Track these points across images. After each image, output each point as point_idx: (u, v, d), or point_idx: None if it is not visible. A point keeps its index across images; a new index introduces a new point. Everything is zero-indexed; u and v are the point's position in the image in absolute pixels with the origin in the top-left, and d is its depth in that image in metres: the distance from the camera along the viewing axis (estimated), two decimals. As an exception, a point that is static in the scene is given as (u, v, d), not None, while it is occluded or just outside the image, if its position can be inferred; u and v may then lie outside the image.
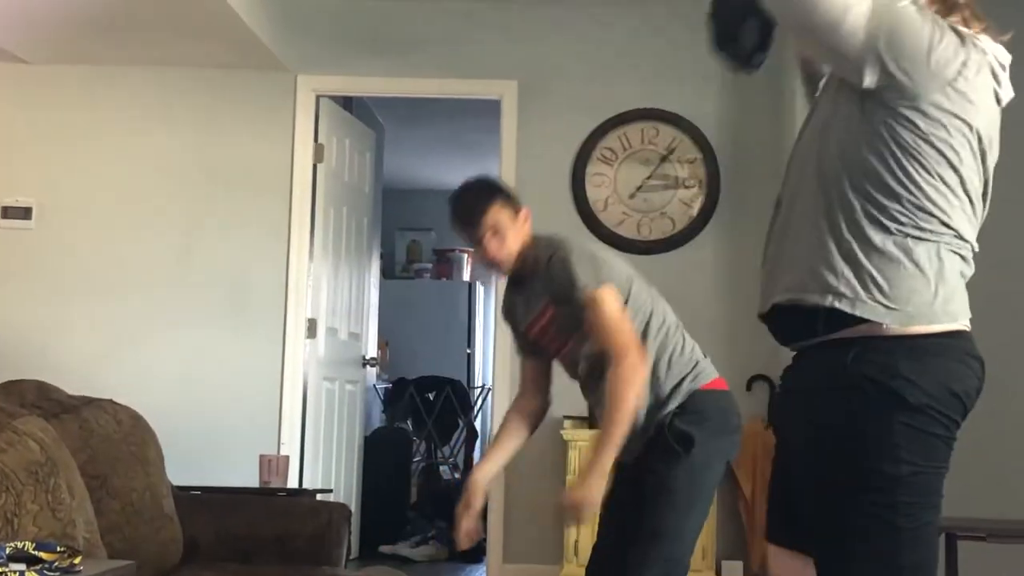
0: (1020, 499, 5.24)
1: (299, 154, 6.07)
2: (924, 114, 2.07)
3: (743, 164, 6.00)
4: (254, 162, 6.06)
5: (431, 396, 8.67)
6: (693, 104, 5.97)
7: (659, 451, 3.03)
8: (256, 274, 6.03)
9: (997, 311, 4.86)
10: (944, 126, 2.08)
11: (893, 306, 2.08)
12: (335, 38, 6.09)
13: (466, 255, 10.62)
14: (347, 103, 6.81)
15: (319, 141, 6.14)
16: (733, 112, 5.98)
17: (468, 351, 10.15)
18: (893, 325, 2.08)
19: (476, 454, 9.49)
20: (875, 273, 2.09)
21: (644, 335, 3.07)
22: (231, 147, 6.08)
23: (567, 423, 5.57)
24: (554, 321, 3.15)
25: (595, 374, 3.08)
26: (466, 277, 10.57)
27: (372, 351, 7.60)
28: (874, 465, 2.06)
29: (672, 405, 3.05)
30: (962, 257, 2.15)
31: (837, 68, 2.16)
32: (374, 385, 8.42)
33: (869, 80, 2.08)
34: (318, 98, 6.13)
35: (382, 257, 8.93)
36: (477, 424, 9.33)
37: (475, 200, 3.21)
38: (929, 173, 2.08)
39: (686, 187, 5.99)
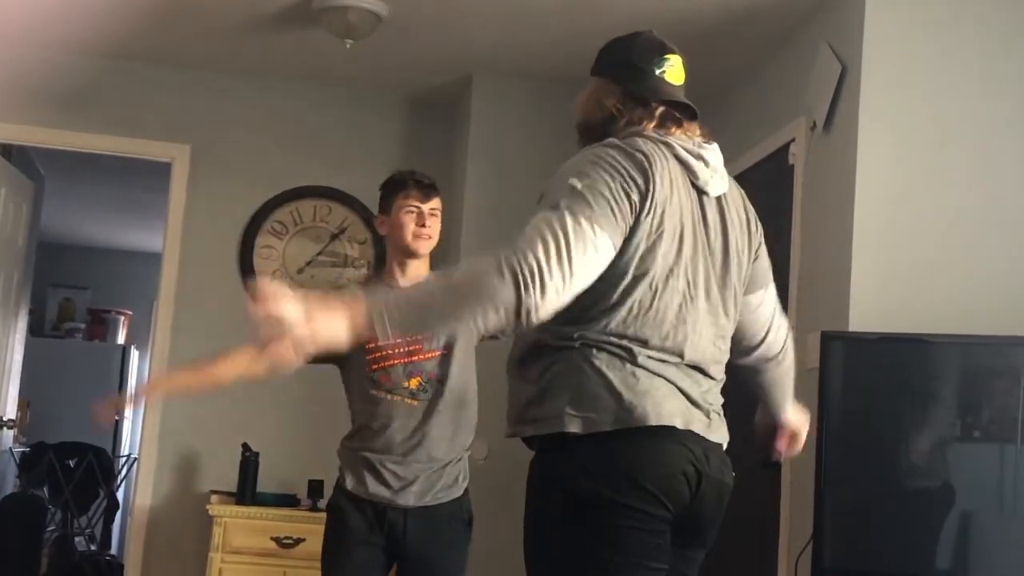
0: None
1: (-52, 198, 5.72)
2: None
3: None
4: None
5: (72, 463, 8.24)
6: (367, 187, 5.99)
7: None
8: None
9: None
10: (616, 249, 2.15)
11: (578, 413, 2.16)
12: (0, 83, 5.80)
13: (122, 317, 10.25)
14: (6, 151, 6.48)
15: (-29, 187, 5.81)
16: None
17: (116, 417, 9.75)
18: (576, 429, 2.15)
19: (116, 526, 9.09)
20: (562, 385, 2.18)
21: None
22: None
23: (213, 498, 5.42)
24: None
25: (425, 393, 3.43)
26: (120, 340, 10.19)
27: (11, 412, 7.17)
28: (548, 551, 2.21)
29: None
30: (635, 361, 2.18)
31: None
32: (10, 448, 7.94)
33: None
34: (-26, 142, 5.81)
35: (31, 313, 8.48)
36: (119, 495, 8.95)
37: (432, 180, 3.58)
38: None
39: (355, 267, 6.01)
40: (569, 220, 2.06)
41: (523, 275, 1.98)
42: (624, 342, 2.17)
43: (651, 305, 2.18)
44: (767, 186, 4.82)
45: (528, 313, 1.99)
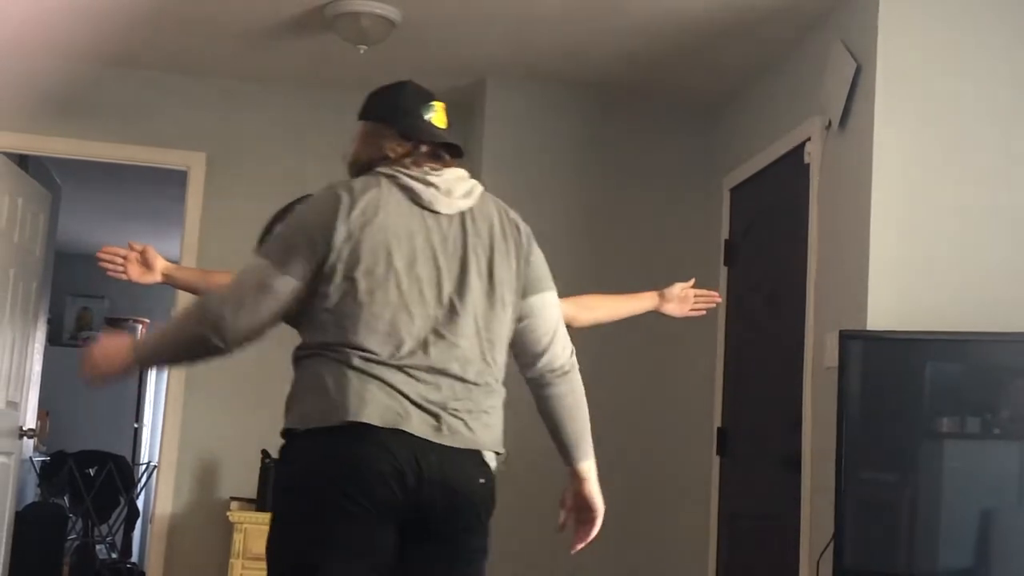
0: None
1: (-34, 209, 5.74)
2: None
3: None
4: (-86, 214, 5.68)
5: (92, 471, 8.28)
6: (382, 191, 6.01)
7: None
8: (-93, 333, 5.63)
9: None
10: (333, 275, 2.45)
11: (297, 410, 2.44)
12: (15, 93, 5.82)
13: (140, 325, 10.28)
14: (23, 161, 6.51)
15: (-11, 198, 5.83)
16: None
17: (136, 426, 9.78)
18: (293, 425, 2.43)
19: (136, 534, 9.11)
20: (295, 387, 2.49)
21: None
22: None
23: (234, 505, 5.43)
24: None
25: None
26: (139, 349, 10.21)
27: (31, 422, 7.20)
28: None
29: None
30: (349, 364, 2.40)
31: None
32: (31, 457, 7.97)
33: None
34: (-8, 153, 5.83)
35: (50, 323, 8.51)
36: (139, 503, 8.97)
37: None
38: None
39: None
40: (256, 269, 2.50)
41: (213, 320, 2.47)
42: (344, 349, 2.40)
43: (360, 316, 2.41)
44: (783, 185, 4.81)
45: (219, 347, 2.48)
